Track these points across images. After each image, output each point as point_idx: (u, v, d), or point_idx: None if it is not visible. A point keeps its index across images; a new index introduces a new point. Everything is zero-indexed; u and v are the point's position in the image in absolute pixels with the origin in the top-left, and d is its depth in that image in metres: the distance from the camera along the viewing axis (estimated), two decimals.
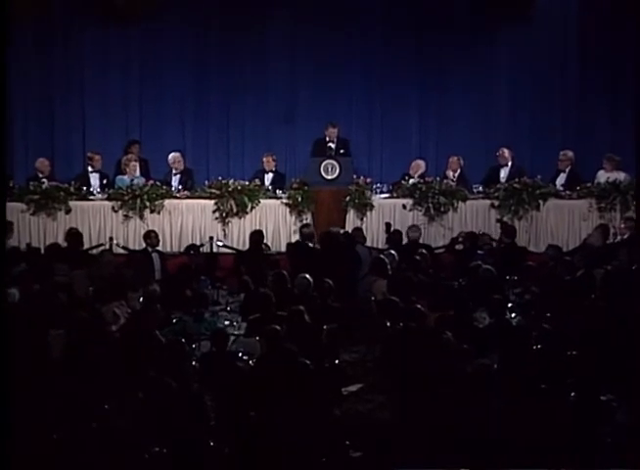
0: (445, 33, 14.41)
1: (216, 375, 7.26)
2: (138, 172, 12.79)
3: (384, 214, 12.53)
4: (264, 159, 13.07)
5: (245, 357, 7.86)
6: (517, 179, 12.66)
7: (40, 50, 14.12)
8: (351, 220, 12.47)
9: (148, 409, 6.55)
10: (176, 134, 14.46)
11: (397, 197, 12.68)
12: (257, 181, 12.66)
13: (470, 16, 14.43)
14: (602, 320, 8.31)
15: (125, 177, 12.57)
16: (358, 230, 11.75)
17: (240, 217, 12.38)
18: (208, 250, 11.85)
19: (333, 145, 13.21)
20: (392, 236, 11.66)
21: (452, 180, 12.91)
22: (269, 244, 12.00)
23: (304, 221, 12.24)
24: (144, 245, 11.42)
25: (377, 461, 6.22)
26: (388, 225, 12.15)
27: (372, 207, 12.52)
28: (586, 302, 8.95)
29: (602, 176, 12.77)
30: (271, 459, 6.11)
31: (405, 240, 11.63)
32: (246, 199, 12.34)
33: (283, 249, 11.85)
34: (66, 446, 6.15)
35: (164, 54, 14.38)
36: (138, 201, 12.16)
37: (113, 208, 12.25)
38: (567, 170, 12.95)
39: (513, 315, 9.02)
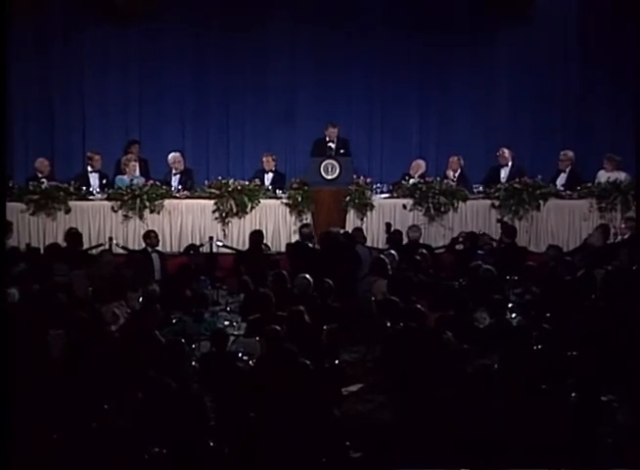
0: (445, 33, 14.41)
1: (216, 375, 7.25)
2: (138, 172, 12.78)
3: (384, 214, 12.53)
4: (264, 159, 13.07)
5: (245, 358, 7.85)
6: (517, 179, 12.66)
7: (40, 50, 14.11)
8: (351, 220, 12.46)
9: (148, 409, 6.54)
10: (176, 134, 14.46)
11: (398, 197, 12.68)
12: (257, 181, 12.65)
13: (470, 16, 14.44)
14: (602, 320, 8.30)
15: (125, 177, 12.56)
16: (358, 230, 11.75)
17: (240, 217, 12.38)
18: (208, 250, 11.85)
19: (333, 145, 13.20)
20: (393, 236, 11.66)
21: (452, 180, 12.91)
22: (269, 244, 12.00)
23: (304, 221, 12.24)
24: (143, 245, 11.42)
25: (377, 462, 6.21)
26: (388, 225, 12.15)
27: (372, 207, 12.51)
28: (587, 302, 8.95)
29: (602, 176, 12.77)
30: (271, 460, 6.10)
31: (405, 240, 11.63)
32: (246, 199, 12.34)
33: (283, 249, 11.85)
34: (66, 446, 6.14)
35: (164, 54, 14.38)
36: (138, 201, 12.15)
37: (112, 208, 12.24)
38: (567, 170, 12.95)
39: (513, 315, 9.02)
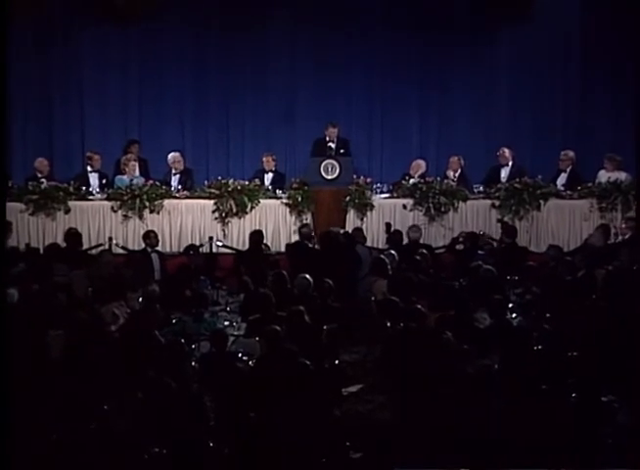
0: (445, 33, 14.40)
1: (216, 375, 7.24)
2: (137, 172, 12.77)
3: (384, 214, 12.52)
4: (264, 158, 13.06)
5: (244, 358, 7.85)
6: (517, 179, 12.65)
7: (40, 50, 14.10)
8: (351, 220, 12.45)
9: (147, 410, 6.54)
10: (176, 134, 14.45)
11: (398, 197, 12.67)
12: (257, 181, 12.65)
13: (470, 16, 14.43)
14: (603, 321, 8.30)
15: (125, 177, 12.55)
16: (358, 230, 11.74)
17: (239, 217, 12.37)
18: (208, 250, 11.84)
19: (333, 145, 13.19)
20: (393, 236, 11.65)
21: (453, 180, 12.90)
22: (269, 244, 11.98)
23: (304, 221, 12.23)
24: (143, 245, 11.41)
25: (377, 462, 6.20)
26: (388, 225, 12.14)
27: (372, 207, 12.50)
28: (587, 302, 8.94)
29: (603, 176, 12.76)
30: (271, 460, 6.10)
31: (406, 240, 11.62)
32: (245, 199, 12.33)
33: (283, 249, 11.83)
34: (66, 447, 6.14)
35: (164, 54, 14.37)
36: (137, 201, 12.14)
37: (112, 208, 12.23)
38: (567, 170, 12.94)
39: (513, 316, 9.02)
